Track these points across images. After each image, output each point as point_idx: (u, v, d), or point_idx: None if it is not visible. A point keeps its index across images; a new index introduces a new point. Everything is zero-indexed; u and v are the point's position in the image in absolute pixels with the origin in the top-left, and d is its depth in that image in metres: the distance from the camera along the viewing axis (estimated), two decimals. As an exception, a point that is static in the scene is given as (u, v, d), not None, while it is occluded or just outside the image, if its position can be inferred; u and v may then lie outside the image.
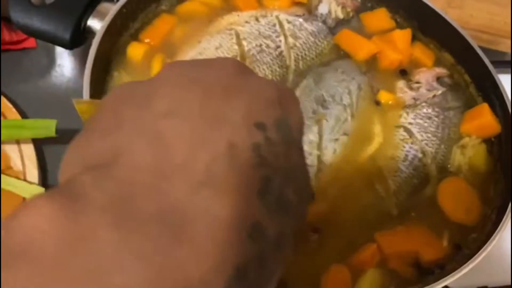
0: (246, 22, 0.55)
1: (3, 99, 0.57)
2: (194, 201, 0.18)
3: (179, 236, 0.18)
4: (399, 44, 0.56)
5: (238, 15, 0.55)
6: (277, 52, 0.53)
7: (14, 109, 0.57)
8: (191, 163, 0.19)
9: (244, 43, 0.53)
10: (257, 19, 0.55)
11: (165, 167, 0.19)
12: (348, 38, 0.56)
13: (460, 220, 0.47)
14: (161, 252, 0.17)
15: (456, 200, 0.48)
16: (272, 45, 0.54)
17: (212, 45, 0.52)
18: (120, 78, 0.50)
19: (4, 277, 0.15)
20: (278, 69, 0.53)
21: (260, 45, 0.53)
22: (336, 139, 0.48)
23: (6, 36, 0.62)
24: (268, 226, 0.20)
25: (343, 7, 0.59)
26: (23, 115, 0.58)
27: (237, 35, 0.53)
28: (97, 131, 0.21)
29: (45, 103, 0.60)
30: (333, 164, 0.47)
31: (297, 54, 0.54)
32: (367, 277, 0.42)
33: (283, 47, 0.54)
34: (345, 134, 0.49)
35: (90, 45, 0.48)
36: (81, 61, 0.65)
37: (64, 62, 0.65)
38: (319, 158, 0.47)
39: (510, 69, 0.71)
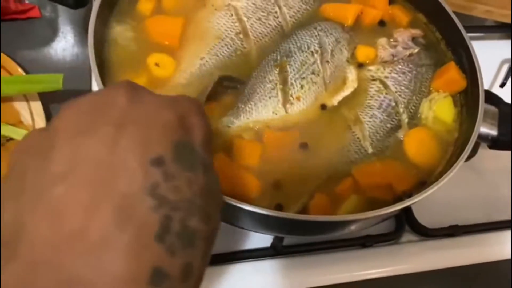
0: None
1: (9, 60, 0.61)
2: (91, 266, 0.20)
3: None
4: (377, 3, 0.61)
5: None
6: (275, 23, 0.58)
7: (20, 69, 0.61)
8: (85, 231, 0.20)
9: (244, 18, 0.57)
10: None
11: (61, 240, 0.20)
12: (332, 10, 0.60)
13: (421, 164, 0.52)
14: None
15: (419, 148, 0.53)
16: (270, 16, 0.58)
17: (215, 23, 0.56)
18: (123, 33, 0.54)
19: None
20: (279, 39, 0.57)
21: (260, 19, 0.57)
22: (303, 77, 0.53)
23: (12, 5, 0.67)
24: (171, 265, 0.21)
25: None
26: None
27: (236, 11, 0.57)
28: (5, 198, 0.22)
29: (50, 69, 0.65)
30: (303, 98, 0.52)
31: (293, 22, 0.59)
32: (349, 202, 0.48)
33: (280, 18, 0.58)
34: (313, 73, 0.53)
35: (90, 8, 0.52)
36: (83, 28, 0.69)
37: (67, 29, 0.70)
38: (283, 90, 0.52)
39: (481, 35, 0.76)
